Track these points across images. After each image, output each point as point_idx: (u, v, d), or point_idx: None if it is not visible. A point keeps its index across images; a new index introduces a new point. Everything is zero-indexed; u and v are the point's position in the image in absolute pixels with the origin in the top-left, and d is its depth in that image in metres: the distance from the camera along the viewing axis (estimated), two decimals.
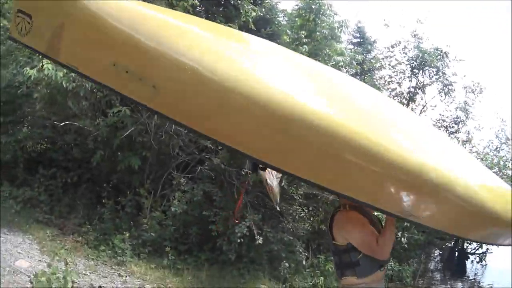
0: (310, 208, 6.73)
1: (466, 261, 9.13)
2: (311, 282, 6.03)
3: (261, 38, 3.30)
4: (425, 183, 2.03)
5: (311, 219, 6.81)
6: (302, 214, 6.60)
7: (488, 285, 8.50)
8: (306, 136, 2.01)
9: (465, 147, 11.33)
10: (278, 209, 4.57)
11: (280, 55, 2.87)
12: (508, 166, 9.15)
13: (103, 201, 5.89)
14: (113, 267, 5.15)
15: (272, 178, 3.18)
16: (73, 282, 4.23)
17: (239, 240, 5.41)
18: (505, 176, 8.49)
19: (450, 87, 12.27)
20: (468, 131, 11.95)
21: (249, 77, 2.11)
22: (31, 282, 4.10)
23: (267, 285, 5.65)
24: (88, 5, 2.26)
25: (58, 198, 6.20)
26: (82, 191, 6.28)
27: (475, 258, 9.68)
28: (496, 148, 9.97)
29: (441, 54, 10.43)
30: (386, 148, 2.04)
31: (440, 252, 9.75)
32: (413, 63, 12.25)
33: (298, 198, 6.43)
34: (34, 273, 4.24)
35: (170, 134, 5.88)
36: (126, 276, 5.01)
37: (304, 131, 2.00)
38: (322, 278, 6.02)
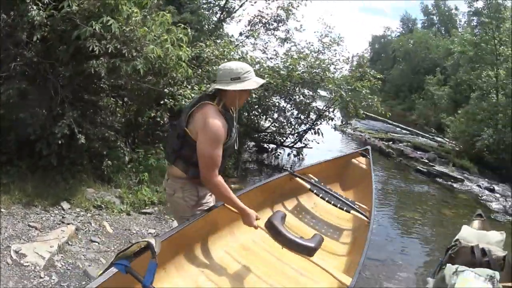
0: (125, 99, 6.18)
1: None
2: (135, 179, 5.83)
3: None
4: None
5: (125, 111, 6.31)
6: (117, 107, 6.11)
7: None
8: None
9: (283, 45, 11.80)
10: None
11: None
12: (331, 70, 9.67)
13: None
14: None
15: None
16: None
17: (59, 142, 4.96)
18: (328, 77, 9.29)
19: None
20: (288, 30, 12.43)
21: None
22: None
23: (93, 188, 5.40)
24: None
25: None
26: None
27: (292, 151, 10.45)
28: (318, 50, 10.29)
29: None
30: None
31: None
32: None
33: (108, 88, 5.84)
34: None
35: None
36: None
37: None
38: (146, 173, 5.81)
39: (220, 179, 2.59)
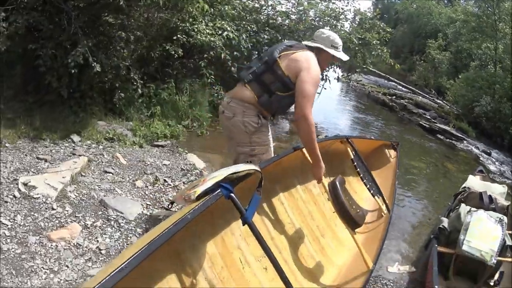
0: (138, 34, 5.94)
1: None
2: (147, 112, 5.82)
3: None
4: None
5: (136, 46, 6.07)
6: (129, 42, 5.74)
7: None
8: None
9: None
10: None
11: None
12: (341, 18, 9.63)
13: None
14: None
15: None
16: None
17: (73, 71, 4.70)
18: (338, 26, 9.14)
19: None
20: None
21: None
22: None
23: (104, 121, 5.31)
24: None
25: None
26: None
27: None
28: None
29: None
30: None
31: None
32: None
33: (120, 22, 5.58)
34: None
35: None
36: None
37: None
38: (158, 107, 5.87)
39: None
